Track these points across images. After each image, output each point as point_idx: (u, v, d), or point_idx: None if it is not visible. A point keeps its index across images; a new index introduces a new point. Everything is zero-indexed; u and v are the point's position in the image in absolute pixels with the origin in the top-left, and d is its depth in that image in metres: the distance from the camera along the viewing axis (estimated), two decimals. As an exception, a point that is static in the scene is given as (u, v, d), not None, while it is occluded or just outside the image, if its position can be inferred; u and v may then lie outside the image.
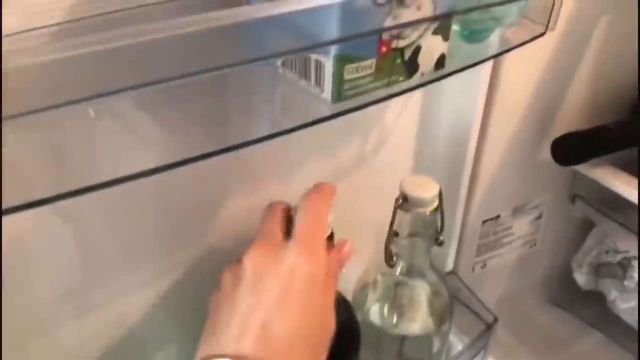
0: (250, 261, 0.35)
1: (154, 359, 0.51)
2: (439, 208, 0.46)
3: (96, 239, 0.42)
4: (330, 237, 0.40)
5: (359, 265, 0.56)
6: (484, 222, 0.67)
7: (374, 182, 0.56)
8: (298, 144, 0.49)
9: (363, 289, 0.51)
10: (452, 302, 0.52)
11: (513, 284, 0.76)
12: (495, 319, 0.58)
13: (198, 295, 0.39)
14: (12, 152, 0.26)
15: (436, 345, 0.52)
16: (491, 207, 0.66)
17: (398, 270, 0.49)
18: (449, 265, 0.67)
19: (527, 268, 0.76)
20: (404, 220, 0.46)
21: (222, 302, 0.35)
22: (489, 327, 0.58)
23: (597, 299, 0.72)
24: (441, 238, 0.47)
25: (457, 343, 0.60)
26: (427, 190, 0.45)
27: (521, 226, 0.72)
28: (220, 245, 0.48)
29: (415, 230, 0.46)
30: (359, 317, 0.51)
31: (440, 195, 0.45)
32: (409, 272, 0.49)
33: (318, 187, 0.39)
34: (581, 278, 0.73)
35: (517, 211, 0.70)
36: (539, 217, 0.73)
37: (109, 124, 0.31)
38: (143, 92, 0.27)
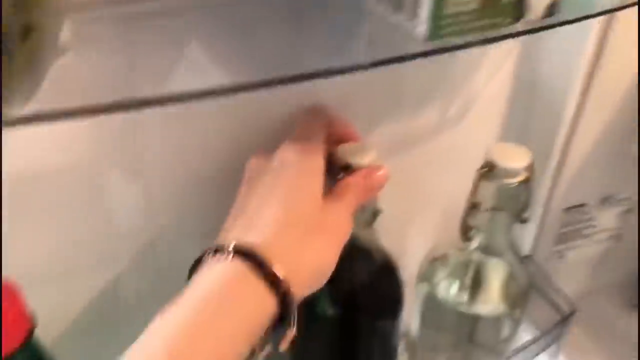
0: (250, 165, 0.38)
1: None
2: (528, 180, 0.41)
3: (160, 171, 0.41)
4: None
5: (426, 239, 0.52)
6: (568, 209, 0.62)
7: (452, 150, 0.51)
8: (374, 97, 0.45)
9: (432, 262, 0.48)
10: (529, 286, 0.47)
11: (592, 281, 0.70)
12: (574, 310, 0.53)
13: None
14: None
15: (506, 330, 0.48)
16: (577, 192, 0.61)
17: (474, 245, 0.45)
18: (524, 251, 0.62)
19: (610, 265, 0.70)
20: (487, 192, 0.42)
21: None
22: (566, 319, 0.53)
23: (685, 305, 0.66)
24: (526, 215, 0.43)
25: (527, 333, 0.55)
26: (517, 159, 0.41)
27: (607, 218, 0.66)
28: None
29: (499, 204, 0.42)
30: (425, 290, 0.47)
31: (531, 166, 0.41)
32: (486, 249, 0.45)
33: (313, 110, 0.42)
34: (669, 282, 0.67)
35: (605, 201, 0.64)
36: (629, 210, 0.66)
37: (182, 38, 0.29)
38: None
